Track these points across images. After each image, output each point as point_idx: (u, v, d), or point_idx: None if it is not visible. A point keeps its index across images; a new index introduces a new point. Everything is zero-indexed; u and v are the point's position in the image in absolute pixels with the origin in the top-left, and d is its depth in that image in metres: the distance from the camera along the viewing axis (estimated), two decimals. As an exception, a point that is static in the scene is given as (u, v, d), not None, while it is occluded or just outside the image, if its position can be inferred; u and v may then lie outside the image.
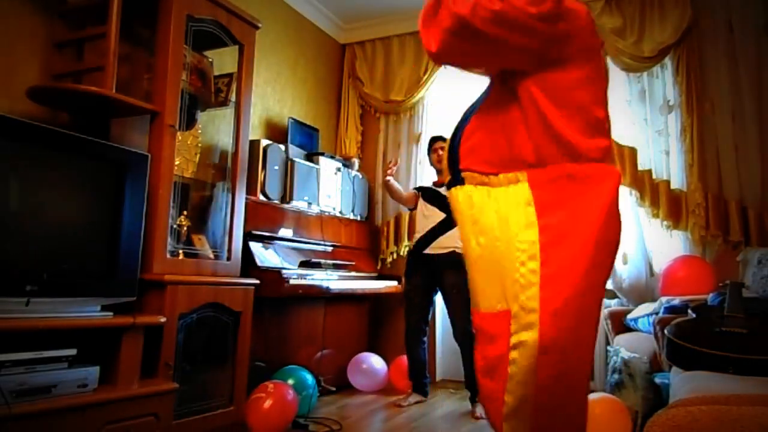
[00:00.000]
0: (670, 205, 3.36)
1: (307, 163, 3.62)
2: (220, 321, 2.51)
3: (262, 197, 3.23)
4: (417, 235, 3.46)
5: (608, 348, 3.01)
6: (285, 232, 3.32)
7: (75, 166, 2.04)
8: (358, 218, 4.08)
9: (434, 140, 3.57)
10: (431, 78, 4.15)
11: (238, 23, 2.72)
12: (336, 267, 3.53)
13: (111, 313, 2.06)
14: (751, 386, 1.56)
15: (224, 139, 3.05)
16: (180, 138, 2.53)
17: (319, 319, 3.48)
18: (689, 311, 2.25)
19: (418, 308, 3.40)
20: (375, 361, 3.64)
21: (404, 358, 3.51)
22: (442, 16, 1.36)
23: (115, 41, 2.21)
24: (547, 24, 1.38)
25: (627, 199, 3.43)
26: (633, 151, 3.47)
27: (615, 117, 1.84)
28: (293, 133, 3.70)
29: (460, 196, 1.54)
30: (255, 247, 3.00)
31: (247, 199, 2.77)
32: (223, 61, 3.01)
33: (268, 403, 2.51)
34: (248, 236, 2.91)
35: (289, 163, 3.44)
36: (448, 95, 4.16)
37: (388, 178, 3.52)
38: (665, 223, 3.36)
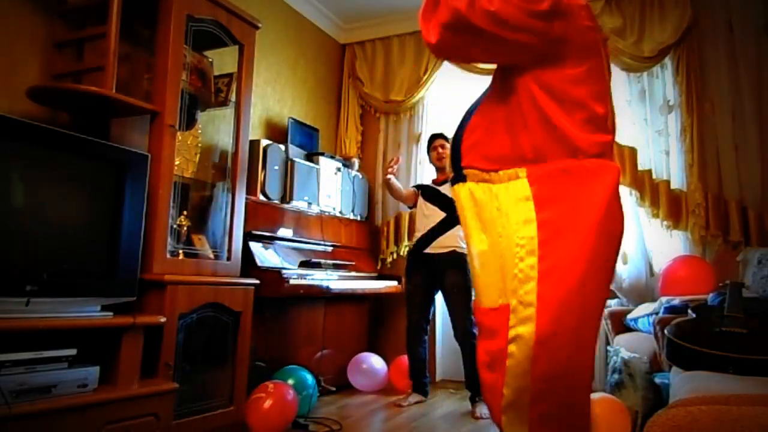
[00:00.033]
0: (670, 205, 3.36)
1: (307, 163, 3.62)
2: (220, 321, 2.51)
3: (262, 197, 3.23)
4: (417, 235, 3.45)
5: (608, 348, 3.01)
6: (285, 232, 3.32)
7: (75, 166, 2.04)
8: (358, 218, 4.08)
9: (434, 137, 3.57)
10: (431, 78, 4.15)
11: (238, 23, 2.72)
12: (336, 267, 3.53)
13: (111, 313, 2.06)
14: (751, 386, 1.56)
15: (224, 139, 3.05)
16: (180, 138, 2.53)
17: (319, 319, 3.48)
18: (689, 311, 2.25)
19: (419, 307, 3.39)
20: (375, 361, 3.64)
21: (404, 358, 3.52)
22: (441, 10, 1.38)
23: (115, 41, 2.21)
24: (543, 22, 1.39)
25: (627, 199, 3.43)
26: (633, 151, 3.48)
27: (615, 117, 1.84)
28: (293, 133, 3.70)
29: (462, 193, 1.56)
30: (255, 247, 3.00)
31: (247, 199, 2.77)
32: (223, 61, 3.01)
33: (268, 403, 2.51)
34: (248, 236, 2.91)
35: (289, 163, 3.44)
36: (448, 95, 4.17)
37: (389, 176, 3.51)
38: (665, 223, 3.36)
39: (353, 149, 4.39)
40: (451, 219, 3.27)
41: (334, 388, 3.46)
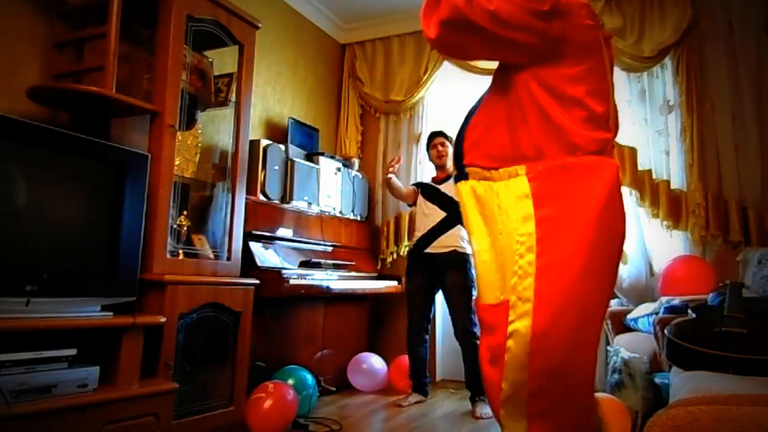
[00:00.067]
0: (670, 205, 3.36)
1: (307, 163, 3.62)
2: (220, 321, 2.51)
3: (262, 197, 3.23)
4: (417, 234, 3.45)
5: (608, 348, 3.01)
6: (285, 232, 3.32)
7: (75, 166, 2.04)
8: (358, 218, 4.08)
9: (433, 135, 3.57)
10: (431, 78, 4.15)
11: (238, 23, 2.72)
12: (336, 267, 3.53)
13: (111, 313, 2.06)
14: (751, 386, 1.56)
15: (224, 139, 3.05)
16: (180, 138, 2.53)
17: (319, 319, 3.48)
18: (689, 311, 2.25)
19: (420, 307, 3.39)
20: (375, 361, 3.64)
21: (404, 358, 3.52)
22: (442, 6, 1.40)
23: (115, 41, 2.21)
24: (543, 21, 1.39)
25: (627, 199, 3.43)
26: (633, 151, 3.48)
27: (619, 115, 1.84)
28: (293, 133, 3.70)
29: (464, 190, 1.57)
30: (255, 247, 3.00)
31: (247, 199, 2.77)
32: (223, 61, 3.01)
33: (268, 403, 2.51)
34: (248, 236, 2.91)
35: (289, 163, 3.44)
36: (448, 95, 4.17)
37: (390, 175, 3.50)
38: (665, 223, 3.36)
39: (353, 149, 4.39)
40: (452, 218, 3.27)
41: (334, 388, 3.46)
